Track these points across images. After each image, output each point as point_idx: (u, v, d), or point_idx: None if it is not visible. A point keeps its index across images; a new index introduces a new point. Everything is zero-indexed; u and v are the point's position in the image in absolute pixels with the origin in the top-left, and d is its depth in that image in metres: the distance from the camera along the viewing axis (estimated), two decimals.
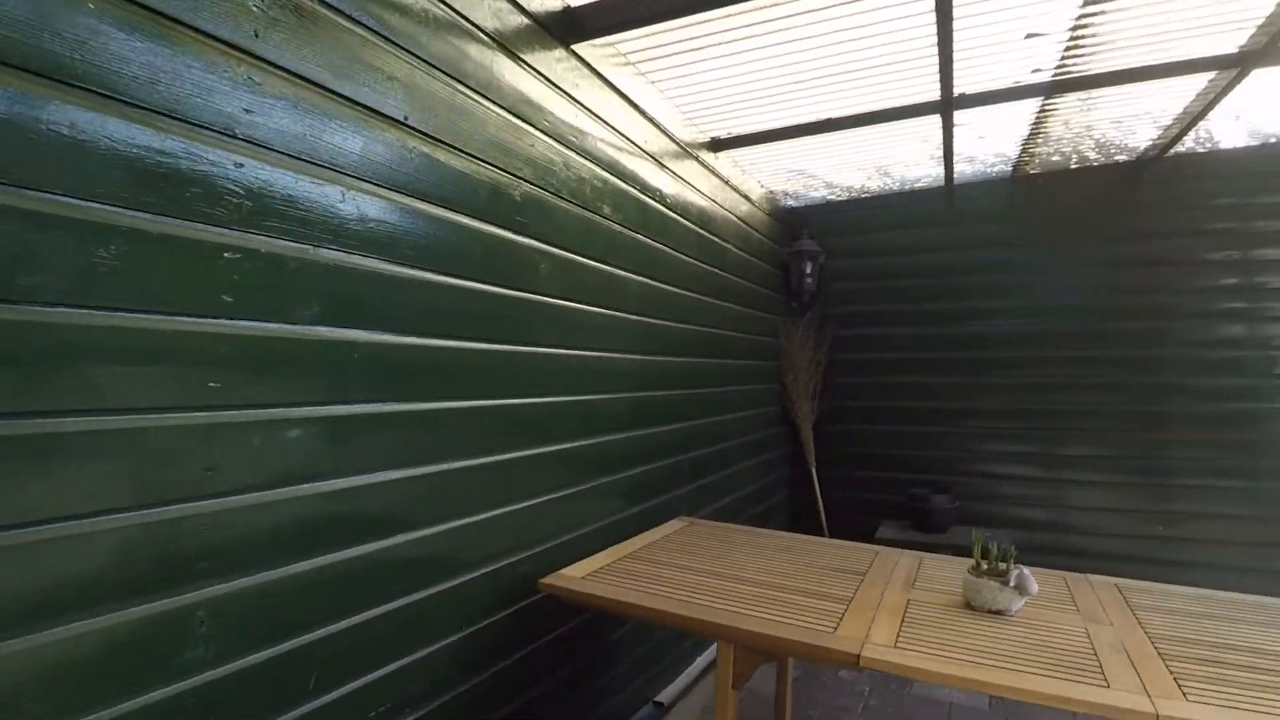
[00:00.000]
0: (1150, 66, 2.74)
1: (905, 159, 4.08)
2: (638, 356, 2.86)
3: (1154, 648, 1.77)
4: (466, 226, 1.91)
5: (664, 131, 3.06)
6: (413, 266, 1.73)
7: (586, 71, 2.44)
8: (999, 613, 2.01)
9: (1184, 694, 1.51)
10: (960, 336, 4.51)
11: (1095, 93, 3.07)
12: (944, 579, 2.37)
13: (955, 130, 3.40)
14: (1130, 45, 2.61)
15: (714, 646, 3.53)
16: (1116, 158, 4.05)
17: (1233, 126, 3.54)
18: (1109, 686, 1.55)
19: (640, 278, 2.85)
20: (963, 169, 4.18)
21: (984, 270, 4.47)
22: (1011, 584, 2.00)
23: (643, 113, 2.85)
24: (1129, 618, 2.00)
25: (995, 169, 4.30)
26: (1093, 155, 4.04)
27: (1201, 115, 3.19)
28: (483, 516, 1.98)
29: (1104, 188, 4.17)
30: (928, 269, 4.61)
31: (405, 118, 1.70)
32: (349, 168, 1.55)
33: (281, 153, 1.39)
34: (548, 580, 2.12)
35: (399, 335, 1.69)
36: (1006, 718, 3.09)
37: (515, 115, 2.10)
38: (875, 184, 4.58)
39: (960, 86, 2.92)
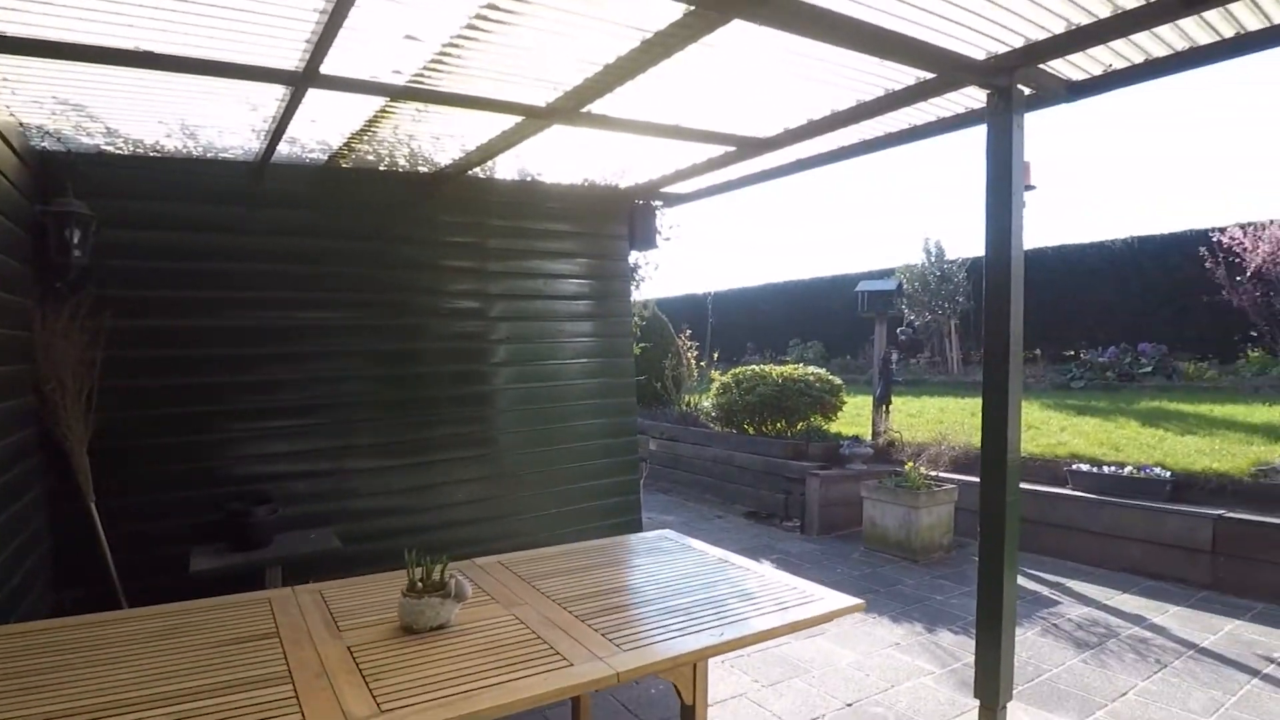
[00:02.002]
0: (488, 99, 3.13)
1: (222, 123, 3.45)
2: None
3: (569, 613, 2.08)
4: None
5: None
6: None
7: None
8: (441, 627, 1.99)
9: (619, 646, 1.85)
10: (264, 330, 4.12)
11: (432, 107, 3.30)
12: (363, 608, 2.18)
13: (299, 108, 3.09)
14: (479, 76, 2.91)
15: None
16: (420, 168, 4.46)
17: (508, 161, 4.39)
18: (572, 664, 1.75)
19: None
20: (281, 148, 3.82)
21: (288, 259, 4.21)
22: (452, 594, 2.01)
23: None
24: (531, 590, 2.29)
25: (311, 155, 4.10)
26: (403, 162, 4.33)
27: (503, 150, 3.86)
28: None
29: (405, 194, 4.53)
30: (229, 252, 4.03)
31: None
32: None
33: None
34: None
35: None
36: None
37: None
38: (174, 143, 3.71)
39: (327, 65, 2.66)
